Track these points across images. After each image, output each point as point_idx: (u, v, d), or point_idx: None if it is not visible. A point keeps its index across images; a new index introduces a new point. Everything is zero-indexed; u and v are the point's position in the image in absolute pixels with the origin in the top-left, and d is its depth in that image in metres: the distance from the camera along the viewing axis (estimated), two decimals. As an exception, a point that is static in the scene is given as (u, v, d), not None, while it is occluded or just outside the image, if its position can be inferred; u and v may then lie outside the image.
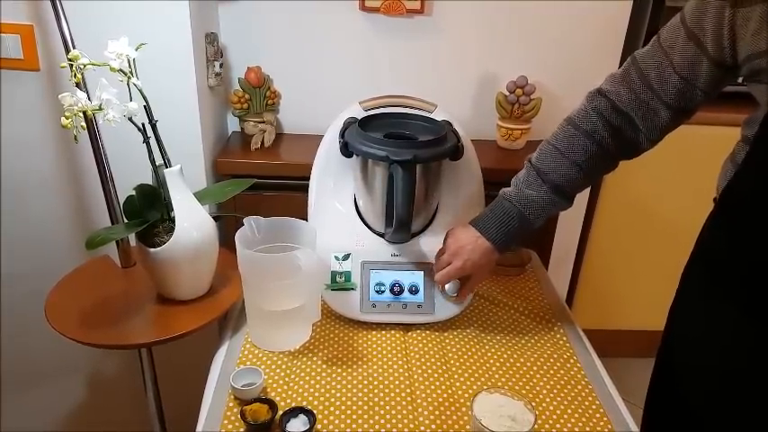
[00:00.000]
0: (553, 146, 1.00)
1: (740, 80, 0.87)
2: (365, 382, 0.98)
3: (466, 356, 1.05)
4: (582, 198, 1.76)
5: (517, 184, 1.03)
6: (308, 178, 1.20)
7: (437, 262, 1.09)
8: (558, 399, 0.96)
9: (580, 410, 0.94)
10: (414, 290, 1.10)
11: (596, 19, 1.52)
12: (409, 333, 1.11)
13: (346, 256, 1.12)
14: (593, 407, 0.95)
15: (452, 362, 1.03)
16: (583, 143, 0.98)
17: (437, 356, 1.05)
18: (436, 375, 1.00)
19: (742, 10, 0.78)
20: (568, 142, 0.99)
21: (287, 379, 0.98)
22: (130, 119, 0.96)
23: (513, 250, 1.35)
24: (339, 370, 1.01)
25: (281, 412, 0.88)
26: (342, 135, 1.11)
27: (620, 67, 0.98)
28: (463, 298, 1.11)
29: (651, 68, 0.92)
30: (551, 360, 1.05)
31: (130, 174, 1.09)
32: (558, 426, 0.91)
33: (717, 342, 0.93)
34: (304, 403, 0.92)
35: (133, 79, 0.95)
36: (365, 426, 0.89)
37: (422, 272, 1.11)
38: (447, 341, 1.09)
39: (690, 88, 0.90)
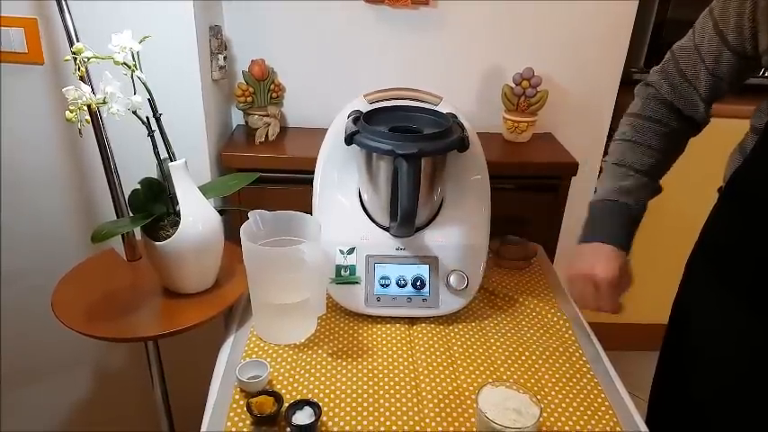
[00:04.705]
0: (623, 140, 1.00)
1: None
2: (370, 375, 0.98)
3: (471, 350, 1.05)
4: (587, 191, 1.76)
5: (602, 185, 1.01)
6: (312, 172, 1.19)
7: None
8: (564, 392, 0.96)
9: (585, 404, 0.94)
10: (418, 284, 1.10)
11: (603, 10, 1.51)
12: (414, 327, 1.11)
13: (351, 250, 1.12)
14: (599, 400, 0.95)
15: (457, 355, 1.03)
16: (650, 126, 0.98)
17: (442, 350, 1.05)
18: (441, 368, 1.00)
19: (763, 0, 0.78)
20: (638, 131, 0.99)
21: (292, 372, 0.98)
22: (134, 112, 0.96)
23: (518, 242, 1.35)
24: (344, 363, 1.01)
25: (286, 405, 0.88)
26: (346, 128, 1.11)
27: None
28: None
29: (686, 63, 0.93)
30: (557, 353, 1.05)
31: (135, 167, 1.09)
32: (563, 419, 0.91)
33: (719, 333, 0.92)
34: (309, 396, 0.93)
35: (137, 72, 0.95)
36: (370, 418, 0.90)
37: (427, 265, 1.11)
38: (452, 335, 1.09)
39: (718, 82, 0.91)
